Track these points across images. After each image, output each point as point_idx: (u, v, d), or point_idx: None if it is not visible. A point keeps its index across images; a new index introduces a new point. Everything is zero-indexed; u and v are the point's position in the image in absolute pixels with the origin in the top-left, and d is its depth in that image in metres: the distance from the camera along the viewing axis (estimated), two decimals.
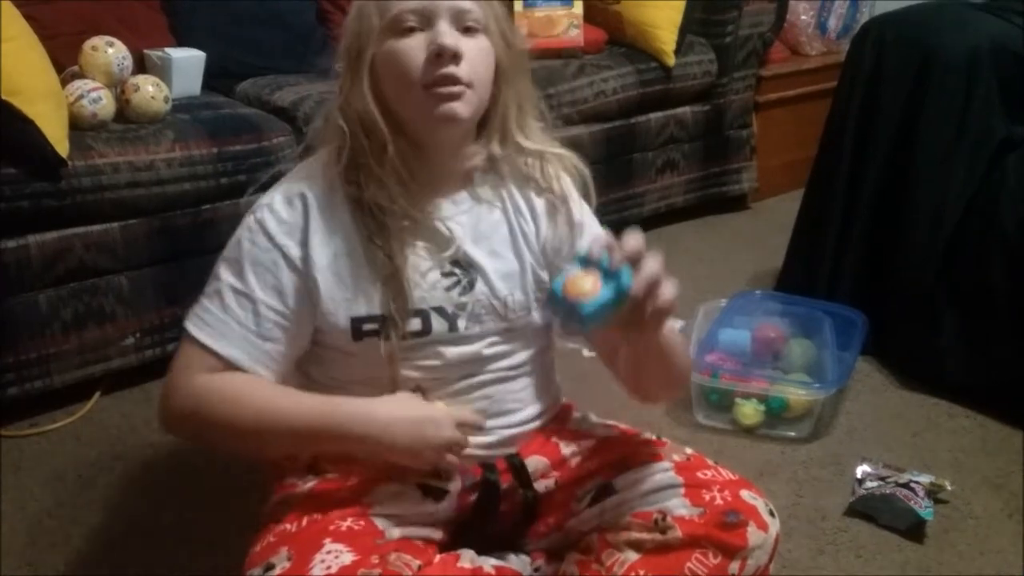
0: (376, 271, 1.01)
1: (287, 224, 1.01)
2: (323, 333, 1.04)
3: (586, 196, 1.13)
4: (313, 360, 1.08)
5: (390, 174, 1.00)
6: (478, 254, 1.06)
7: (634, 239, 0.88)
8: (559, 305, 0.88)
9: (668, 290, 0.89)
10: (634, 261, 0.87)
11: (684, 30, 2.50)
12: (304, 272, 1.01)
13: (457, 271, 1.05)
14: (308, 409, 1.00)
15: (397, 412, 1.00)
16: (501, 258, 1.07)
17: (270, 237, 1.01)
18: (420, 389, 1.04)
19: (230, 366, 1.00)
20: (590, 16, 2.48)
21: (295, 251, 1.01)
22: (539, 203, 1.09)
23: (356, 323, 1.01)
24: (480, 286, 1.05)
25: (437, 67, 0.96)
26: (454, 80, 0.97)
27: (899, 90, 1.91)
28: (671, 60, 2.47)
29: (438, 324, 1.03)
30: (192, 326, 1.01)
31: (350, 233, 1.02)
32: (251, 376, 1.01)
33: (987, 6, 2.02)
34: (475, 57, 0.98)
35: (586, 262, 0.89)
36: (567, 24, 2.41)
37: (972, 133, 1.84)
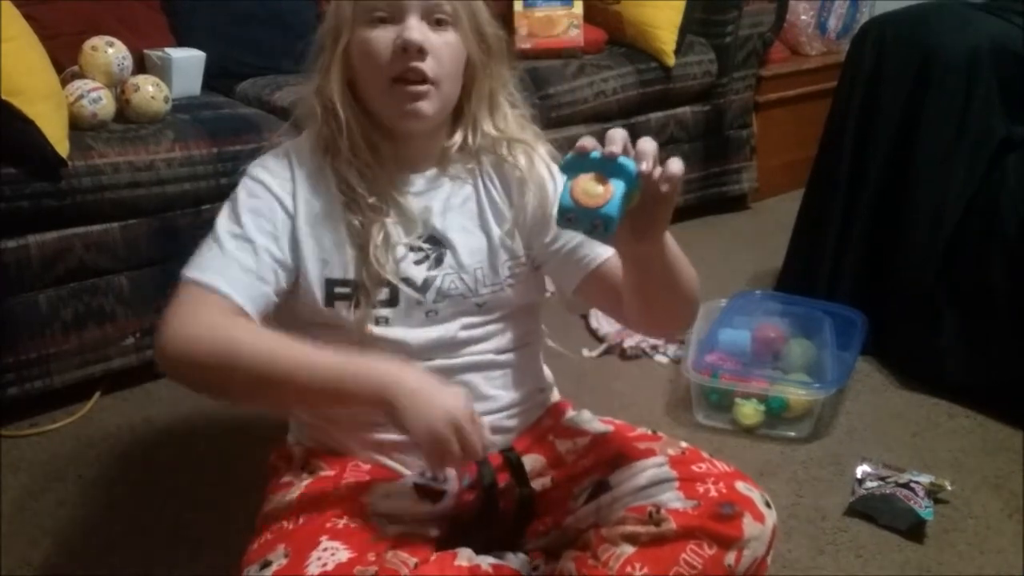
0: (351, 238, 1.04)
1: (279, 177, 1.06)
2: (299, 298, 1.05)
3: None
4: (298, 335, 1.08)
5: (356, 156, 1.04)
6: (448, 230, 1.08)
7: (618, 131, 0.84)
8: (581, 217, 0.82)
9: (672, 160, 0.86)
10: (624, 150, 0.84)
11: (684, 30, 2.50)
12: (293, 223, 1.04)
13: (425, 246, 1.07)
14: (334, 360, 0.94)
15: (425, 381, 0.94)
16: (470, 233, 1.09)
17: (266, 187, 1.05)
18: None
19: (232, 307, 0.97)
20: (590, 16, 2.48)
21: (288, 200, 1.05)
22: (511, 176, 1.10)
23: (330, 285, 1.04)
24: (448, 260, 1.07)
25: (403, 61, 0.99)
26: (419, 76, 0.99)
27: (899, 90, 1.91)
28: (671, 60, 2.47)
29: (406, 296, 1.05)
30: (191, 272, 1.00)
31: (332, 198, 1.05)
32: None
33: (987, 6, 2.02)
34: (442, 53, 1.01)
35: (575, 167, 0.83)
36: (567, 24, 2.41)
37: (972, 133, 1.84)
